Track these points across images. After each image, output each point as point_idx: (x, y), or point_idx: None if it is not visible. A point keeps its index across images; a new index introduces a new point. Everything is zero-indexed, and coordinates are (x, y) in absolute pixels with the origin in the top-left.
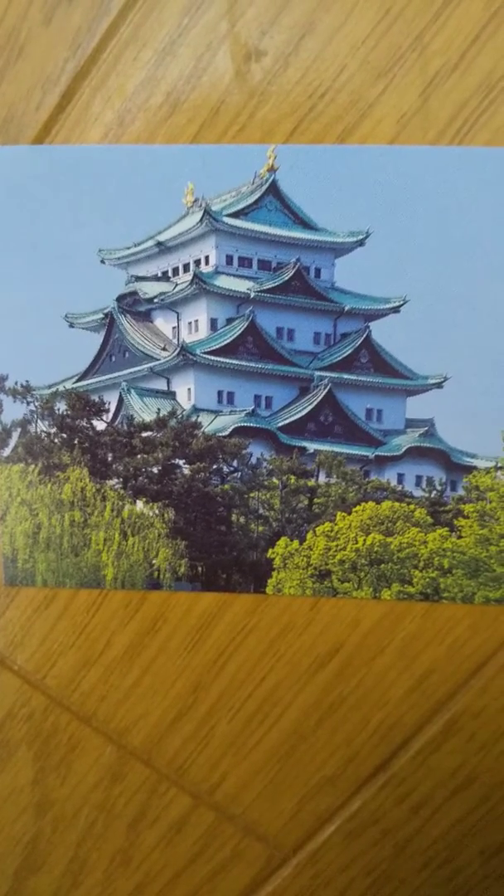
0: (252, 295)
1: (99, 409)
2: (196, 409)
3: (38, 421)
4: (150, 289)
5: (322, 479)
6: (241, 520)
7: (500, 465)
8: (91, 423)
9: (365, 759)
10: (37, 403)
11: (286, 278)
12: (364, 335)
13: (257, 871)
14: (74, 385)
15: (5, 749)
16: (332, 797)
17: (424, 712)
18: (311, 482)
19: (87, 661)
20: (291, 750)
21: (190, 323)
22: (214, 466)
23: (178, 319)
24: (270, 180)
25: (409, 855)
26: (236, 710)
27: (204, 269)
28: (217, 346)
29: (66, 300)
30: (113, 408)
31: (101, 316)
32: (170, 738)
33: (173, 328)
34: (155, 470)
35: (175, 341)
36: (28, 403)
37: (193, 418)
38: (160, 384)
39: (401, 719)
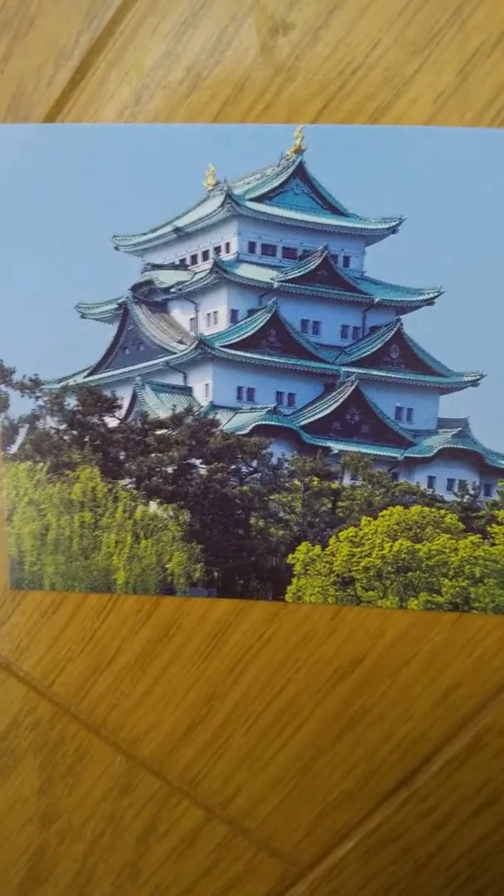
0: (276, 285)
1: (111, 405)
2: (214, 406)
3: (47, 417)
4: (166, 278)
5: (347, 481)
6: (261, 523)
7: None
8: (103, 420)
9: (386, 773)
10: (46, 398)
11: (312, 267)
12: (395, 329)
13: (271, 887)
14: (86, 379)
15: (11, 757)
16: (352, 812)
17: (450, 727)
18: (336, 484)
19: (97, 668)
20: (310, 763)
21: (209, 314)
22: (233, 467)
23: (197, 310)
24: (297, 162)
25: (430, 873)
26: (252, 721)
27: (225, 256)
28: (237, 340)
29: (77, 289)
30: (126, 404)
31: (114, 306)
32: (182, 749)
33: (191, 320)
34: (170, 470)
35: (193, 334)
36: (37, 398)
37: (211, 416)
38: (176, 379)
39: (425, 733)
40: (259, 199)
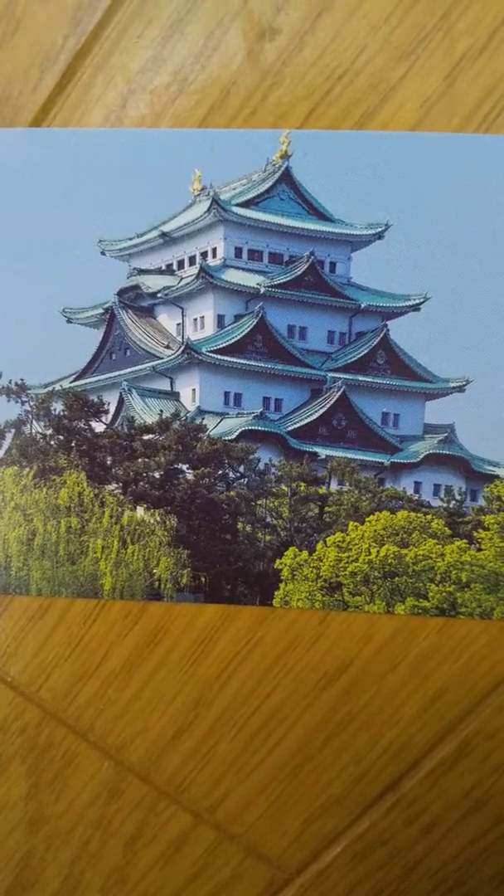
0: (262, 290)
1: (98, 410)
2: (201, 411)
3: (34, 422)
4: (153, 282)
5: (334, 486)
6: (248, 528)
7: None
8: (89, 425)
9: (374, 778)
10: (32, 403)
11: (299, 273)
12: (381, 334)
13: (259, 893)
14: (72, 384)
15: None
16: (339, 817)
17: (437, 732)
18: (323, 490)
19: (84, 673)
20: (297, 769)
21: (195, 319)
22: (220, 472)
23: (183, 315)
24: (283, 168)
25: (417, 877)
26: (240, 726)
27: (211, 261)
28: (224, 345)
29: (63, 294)
30: (113, 408)
31: (100, 311)
32: (170, 754)
33: (178, 325)
34: (157, 475)
35: (179, 339)
36: (23, 403)
37: (198, 421)
38: (163, 384)
39: (412, 739)
40: (245, 205)
